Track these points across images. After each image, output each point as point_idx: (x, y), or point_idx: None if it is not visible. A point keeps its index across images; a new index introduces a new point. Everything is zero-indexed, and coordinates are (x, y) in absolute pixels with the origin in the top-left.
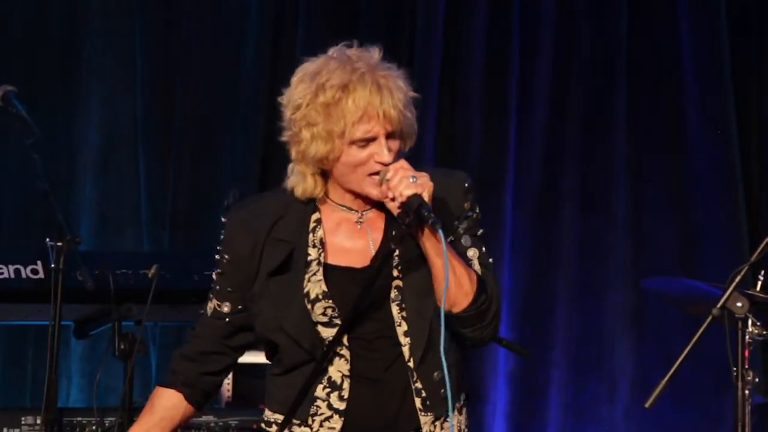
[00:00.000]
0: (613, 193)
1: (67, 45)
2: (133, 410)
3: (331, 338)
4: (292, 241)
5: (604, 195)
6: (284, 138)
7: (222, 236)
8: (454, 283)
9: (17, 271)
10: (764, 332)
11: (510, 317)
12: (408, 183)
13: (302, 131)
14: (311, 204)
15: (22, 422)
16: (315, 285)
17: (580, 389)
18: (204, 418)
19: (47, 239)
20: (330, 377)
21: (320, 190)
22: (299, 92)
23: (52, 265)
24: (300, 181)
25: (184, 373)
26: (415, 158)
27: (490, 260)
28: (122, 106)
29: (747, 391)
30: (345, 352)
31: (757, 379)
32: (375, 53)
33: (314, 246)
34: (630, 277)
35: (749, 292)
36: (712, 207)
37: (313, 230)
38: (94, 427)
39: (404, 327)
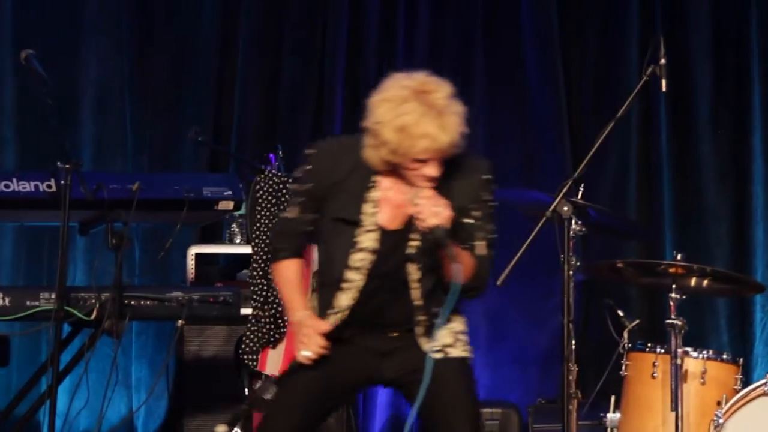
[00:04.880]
0: (475, 129)
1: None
2: (123, 287)
3: (353, 279)
4: (356, 193)
5: (472, 133)
6: (364, 125)
7: (309, 165)
8: (459, 270)
9: (36, 186)
10: (583, 229)
11: None
12: (433, 212)
13: (378, 136)
14: None
15: (41, 297)
16: (368, 240)
17: None
18: (174, 293)
19: (58, 162)
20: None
21: (384, 166)
22: (382, 111)
23: (62, 182)
24: (371, 156)
25: (291, 248)
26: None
27: (494, 236)
28: (112, 65)
29: (571, 272)
30: (355, 288)
31: (578, 263)
32: (448, 88)
33: (368, 202)
34: None
35: (573, 199)
36: (546, 138)
37: (372, 188)
38: (93, 301)
39: (416, 276)
